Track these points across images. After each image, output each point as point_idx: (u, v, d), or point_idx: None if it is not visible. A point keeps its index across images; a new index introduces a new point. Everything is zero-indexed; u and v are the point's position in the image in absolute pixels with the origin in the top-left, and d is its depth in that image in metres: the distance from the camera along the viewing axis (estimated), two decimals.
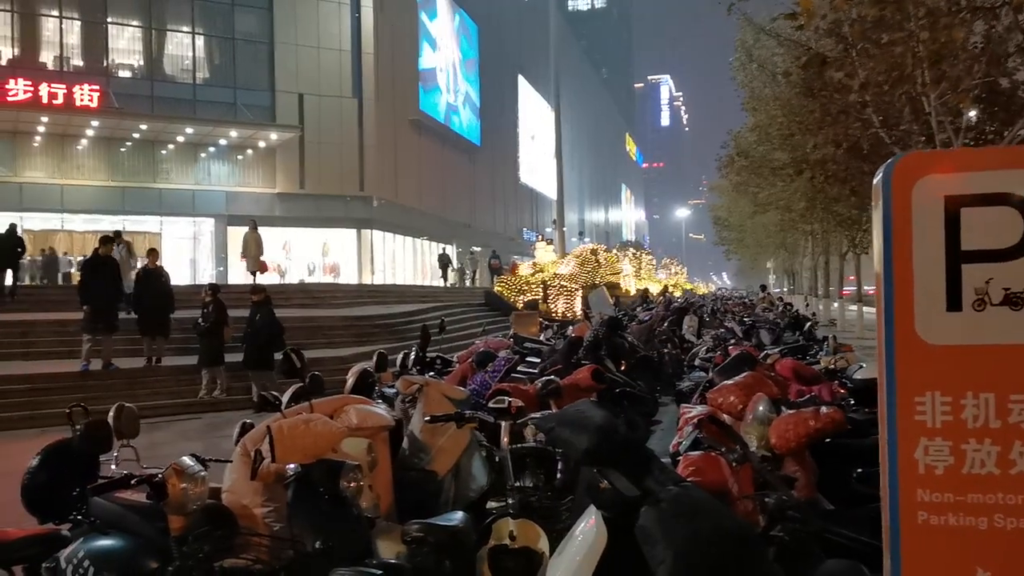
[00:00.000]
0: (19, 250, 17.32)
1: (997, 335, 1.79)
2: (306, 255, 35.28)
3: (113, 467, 3.52)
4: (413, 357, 5.56)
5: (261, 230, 32.85)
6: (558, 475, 3.44)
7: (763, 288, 31.13)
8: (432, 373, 5.37)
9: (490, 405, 3.58)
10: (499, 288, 24.87)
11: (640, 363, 8.59)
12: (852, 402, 4.75)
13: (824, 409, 3.16)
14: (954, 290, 1.81)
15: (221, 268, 32.56)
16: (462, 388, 4.55)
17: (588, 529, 2.15)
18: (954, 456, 1.85)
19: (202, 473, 2.53)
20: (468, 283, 37.51)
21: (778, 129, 15.78)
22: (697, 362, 6.92)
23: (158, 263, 13.26)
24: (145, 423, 10.39)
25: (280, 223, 34.00)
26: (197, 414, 11.65)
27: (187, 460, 2.55)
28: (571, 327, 9.76)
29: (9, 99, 26.68)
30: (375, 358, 5.28)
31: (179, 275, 28.12)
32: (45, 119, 28.29)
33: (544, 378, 4.89)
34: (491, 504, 3.21)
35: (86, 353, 12.05)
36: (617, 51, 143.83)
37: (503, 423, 3.41)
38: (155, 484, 2.48)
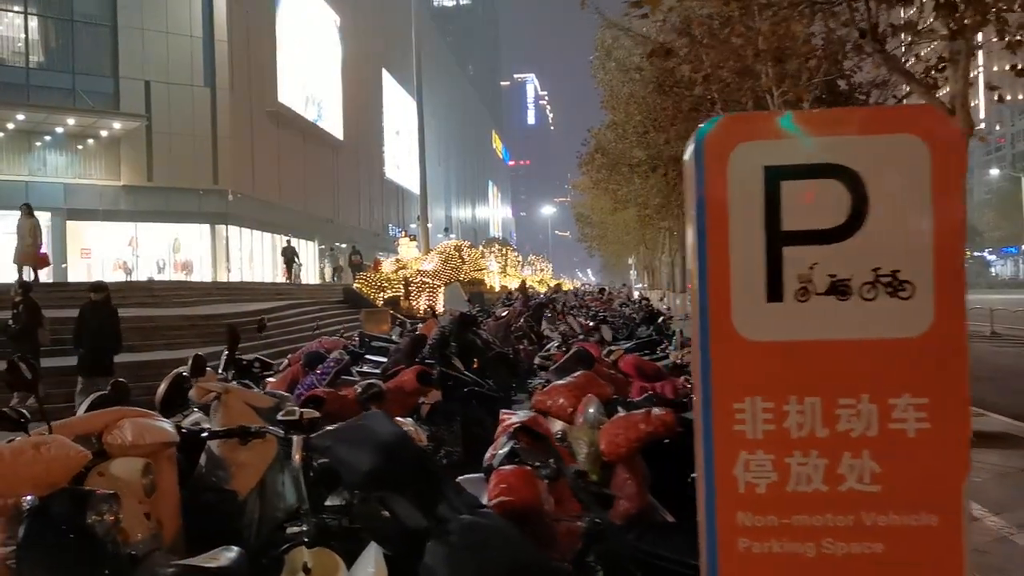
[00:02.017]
0: None
1: (822, 329, 1.54)
2: (155, 252, 33.26)
3: None
4: (223, 360, 5.02)
5: (105, 225, 31.27)
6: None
7: (624, 285, 31.76)
8: (246, 380, 4.86)
9: (279, 417, 3.14)
10: (359, 285, 24.15)
11: (494, 360, 8.31)
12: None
13: (656, 411, 2.92)
14: (774, 277, 1.54)
15: (64, 264, 30.26)
16: (276, 393, 4.07)
17: (366, 571, 1.79)
18: (777, 472, 1.59)
19: None
20: (331, 279, 36.50)
21: (634, 127, 15.94)
22: (537, 360, 6.66)
23: None
24: None
25: (126, 217, 32.04)
26: None
27: None
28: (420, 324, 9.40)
29: None
30: (190, 361, 4.72)
31: (10, 274, 25.86)
32: None
33: (365, 382, 4.46)
34: (290, 529, 2.80)
35: None
36: (483, 48, 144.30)
37: (295, 437, 3.00)
38: None
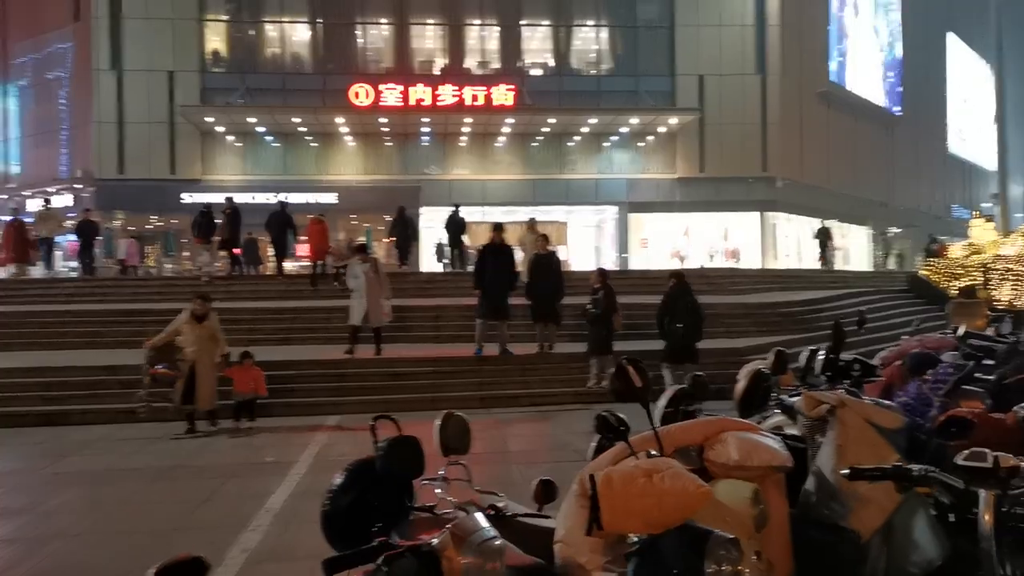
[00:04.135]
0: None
1: None
2: (707, 240, 34.37)
3: (438, 491, 2.93)
4: (822, 359, 4.30)
5: (661, 216, 33.25)
6: None
7: None
8: (846, 383, 4.10)
9: (959, 462, 2.29)
10: (927, 272, 21.57)
11: None
12: None
13: None
14: None
15: (625, 255, 33.04)
16: (894, 408, 3.24)
17: None
18: None
19: (496, 543, 1.77)
20: (887, 266, 33.67)
21: None
22: None
23: (549, 248, 13.27)
24: (536, 411, 10.25)
25: (680, 208, 33.62)
26: (587, 404, 11.37)
27: (478, 519, 1.79)
28: None
29: (439, 104, 29.58)
30: (772, 355, 4.15)
31: (584, 262, 28.99)
32: (469, 120, 30.94)
33: None
34: None
35: (479, 338, 12.42)
36: None
37: (982, 492, 2.16)
38: (424, 555, 1.75)
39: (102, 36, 30.17)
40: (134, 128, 30.17)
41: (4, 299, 16.63)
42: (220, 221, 19.11)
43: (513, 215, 30.46)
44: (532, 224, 15.96)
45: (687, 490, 1.94)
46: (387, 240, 23.80)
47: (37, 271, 21.30)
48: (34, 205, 27.34)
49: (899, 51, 45.71)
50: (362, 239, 21.04)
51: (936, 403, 4.03)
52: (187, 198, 29.45)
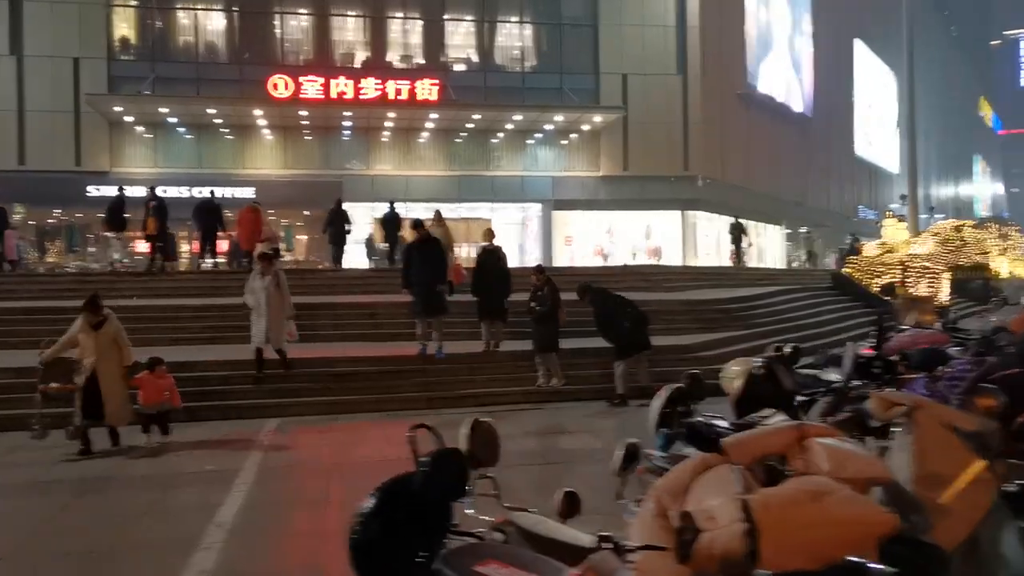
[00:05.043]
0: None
1: None
2: (630, 238, 34.65)
3: (469, 511, 2.59)
4: (851, 356, 4.09)
5: (585, 214, 33.37)
6: None
7: None
8: (877, 383, 3.92)
9: None
10: (849, 269, 22.16)
11: None
12: None
13: None
14: None
15: (549, 252, 33.00)
16: (976, 414, 3.05)
17: None
18: None
19: None
20: (804, 265, 34.60)
21: None
22: None
23: (494, 242, 12.91)
24: (486, 411, 9.83)
25: (604, 207, 33.78)
26: (537, 404, 11.11)
27: (610, 559, 1.48)
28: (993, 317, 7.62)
29: (361, 97, 28.86)
30: (784, 350, 3.91)
31: (510, 260, 28.67)
32: (392, 114, 30.31)
33: None
34: None
35: (420, 336, 11.98)
36: (969, 6, 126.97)
37: None
38: None
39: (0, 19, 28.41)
40: (35, 116, 28.46)
41: None
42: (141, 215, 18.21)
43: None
44: (439, 217, 15.38)
45: (869, 518, 1.66)
46: (321, 235, 23.12)
47: None
48: None
49: (810, 55, 47.05)
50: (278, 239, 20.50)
51: (954, 401, 3.89)
52: (93, 191, 28.05)
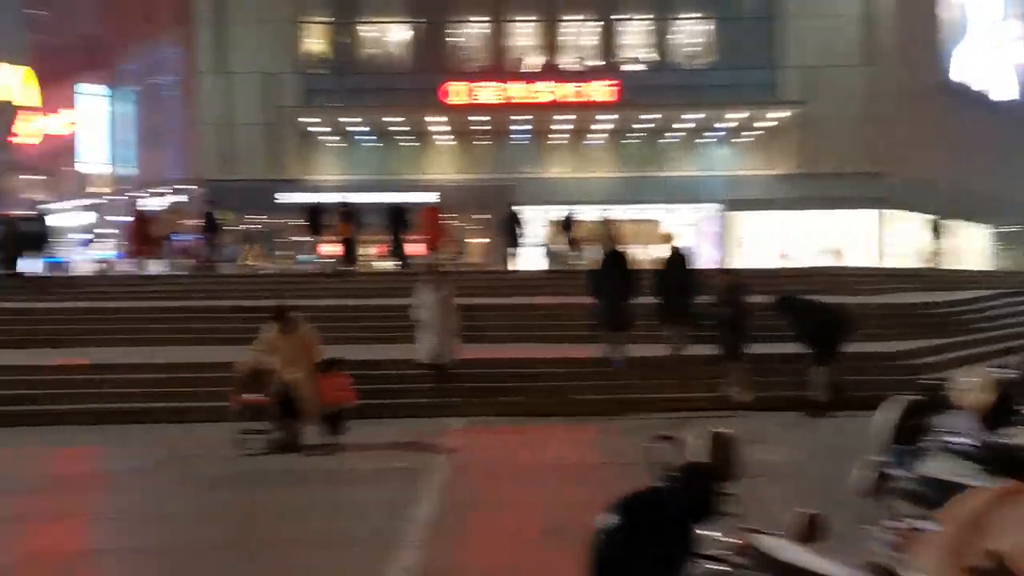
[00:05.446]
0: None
1: None
2: (812, 239, 32.99)
3: (713, 532, 2.44)
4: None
5: (762, 214, 32.06)
6: None
7: None
8: None
9: None
10: None
11: None
12: None
13: None
14: None
15: (724, 254, 32.06)
16: None
17: None
18: None
19: None
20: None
21: None
22: None
23: (675, 245, 12.62)
24: (671, 418, 9.56)
25: (783, 206, 32.36)
26: (725, 413, 10.69)
27: None
28: None
29: (535, 101, 29.25)
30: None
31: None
32: (565, 117, 30.48)
33: None
34: None
35: (606, 351, 11.73)
36: None
37: None
38: None
39: (207, 40, 30.91)
40: (240, 130, 30.78)
41: (129, 295, 16.96)
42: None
43: (608, 214, 29.90)
44: (608, 222, 15.05)
45: None
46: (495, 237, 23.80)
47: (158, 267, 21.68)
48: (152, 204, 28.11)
49: (1016, 37, 43.07)
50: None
51: None
52: (281, 198, 29.92)
